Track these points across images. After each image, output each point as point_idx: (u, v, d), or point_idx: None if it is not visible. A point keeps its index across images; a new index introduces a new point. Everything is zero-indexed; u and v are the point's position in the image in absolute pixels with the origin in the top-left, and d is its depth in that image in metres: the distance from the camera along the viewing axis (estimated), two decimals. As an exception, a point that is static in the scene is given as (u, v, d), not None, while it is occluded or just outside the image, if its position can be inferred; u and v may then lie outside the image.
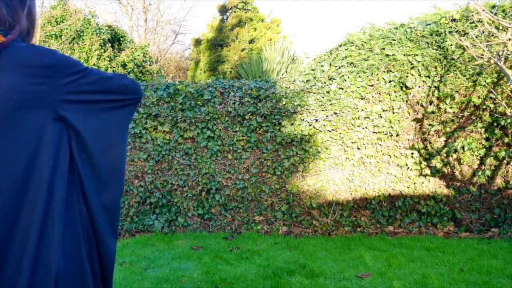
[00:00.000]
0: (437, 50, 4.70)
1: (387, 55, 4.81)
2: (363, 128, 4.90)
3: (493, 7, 4.52)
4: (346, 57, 4.95)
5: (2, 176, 1.07)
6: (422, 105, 4.82)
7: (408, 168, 4.88)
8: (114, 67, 10.40)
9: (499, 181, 4.68)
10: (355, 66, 4.91)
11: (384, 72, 4.84)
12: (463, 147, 4.72)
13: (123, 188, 1.33)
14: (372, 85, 4.88)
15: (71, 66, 1.16)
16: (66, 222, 1.12)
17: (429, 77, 4.76)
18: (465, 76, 4.65)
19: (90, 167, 1.21)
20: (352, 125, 4.89)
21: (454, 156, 4.77)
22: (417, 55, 4.74)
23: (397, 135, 4.89)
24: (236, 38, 13.17)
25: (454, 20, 4.69)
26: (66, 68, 1.15)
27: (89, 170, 1.21)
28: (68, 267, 1.10)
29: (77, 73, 1.17)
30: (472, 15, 4.18)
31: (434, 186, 4.82)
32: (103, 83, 1.23)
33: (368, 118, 4.87)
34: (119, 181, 1.28)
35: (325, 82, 4.99)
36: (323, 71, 5.02)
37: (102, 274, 1.22)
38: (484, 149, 4.69)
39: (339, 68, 4.96)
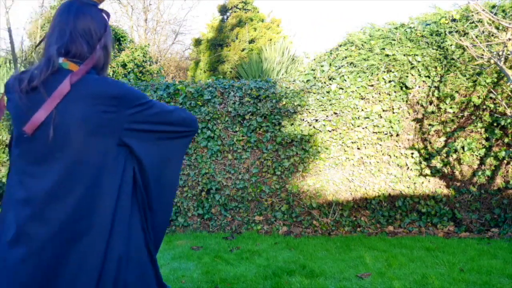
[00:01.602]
0: (437, 50, 4.70)
1: (387, 55, 4.81)
2: (363, 128, 4.90)
3: (493, 7, 4.52)
4: (346, 57, 4.95)
5: (73, 192, 1.21)
6: (422, 105, 4.82)
7: (408, 168, 4.88)
8: (114, 67, 10.40)
9: (499, 181, 4.68)
10: (355, 66, 4.91)
11: (384, 72, 4.85)
12: (463, 147, 4.72)
13: (170, 216, 1.47)
14: (372, 85, 4.88)
15: (137, 99, 1.29)
16: (130, 234, 1.28)
17: (429, 77, 4.76)
18: (465, 76, 4.65)
19: (149, 189, 1.35)
20: (352, 125, 4.89)
21: (454, 156, 4.77)
22: (417, 55, 4.74)
23: (397, 135, 4.89)
24: (236, 38, 13.17)
25: (454, 20, 4.69)
26: (133, 100, 1.28)
27: (147, 191, 1.35)
28: (130, 253, 1.27)
29: (142, 105, 1.30)
30: (472, 15, 4.18)
31: (434, 186, 4.82)
32: (164, 116, 1.37)
33: (368, 118, 4.87)
34: (167, 211, 1.43)
35: (325, 82, 4.99)
36: (323, 71, 5.02)
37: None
38: (484, 149, 4.69)
39: (339, 68, 4.96)
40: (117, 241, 1.24)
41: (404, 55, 4.78)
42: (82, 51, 1.31)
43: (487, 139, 4.70)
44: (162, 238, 1.45)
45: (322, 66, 5.04)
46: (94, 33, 1.34)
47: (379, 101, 4.88)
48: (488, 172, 4.66)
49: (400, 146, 4.91)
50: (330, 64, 5.02)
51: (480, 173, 4.69)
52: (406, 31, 4.82)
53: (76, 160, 1.22)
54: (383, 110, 4.87)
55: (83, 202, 1.21)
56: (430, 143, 4.84)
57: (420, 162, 4.84)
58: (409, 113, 4.87)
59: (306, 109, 4.95)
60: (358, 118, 4.88)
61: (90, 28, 1.33)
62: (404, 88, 4.84)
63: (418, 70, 4.76)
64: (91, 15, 1.34)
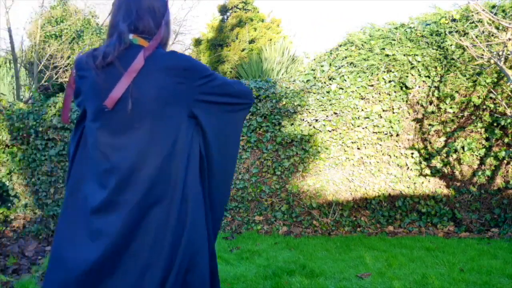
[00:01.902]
0: (437, 50, 4.70)
1: (387, 55, 4.81)
2: (363, 128, 4.89)
3: (493, 7, 4.52)
4: (346, 57, 4.95)
5: (152, 160, 1.31)
6: (422, 105, 4.82)
7: (408, 168, 4.88)
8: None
9: (499, 181, 4.68)
10: (355, 66, 4.91)
11: (384, 72, 4.84)
12: (463, 147, 4.72)
13: (230, 189, 1.60)
14: (372, 85, 4.88)
15: (203, 70, 1.39)
16: (198, 196, 1.40)
17: (429, 77, 4.76)
18: (465, 76, 4.65)
19: (212, 160, 1.44)
20: (352, 125, 4.89)
21: (454, 156, 4.77)
22: (417, 55, 4.74)
23: (397, 135, 4.89)
24: (236, 38, 13.17)
25: (454, 20, 4.69)
26: (200, 71, 1.38)
27: (211, 162, 1.44)
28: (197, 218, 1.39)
29: (208, 77, 1.40)
30: (472, 15, 4.18)
31: (434, 186, 4.82)
32: (227, 87, 1.46)
33: (368, 118, 4.87)
34: (228, 182, 1.52)
35: (325, 82, 4.99)
36: (323, 71, 5.02)
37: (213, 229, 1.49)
38: (484, 149, 4.69)
39: (339, 68, 4.96)
40: (188, 207, 1.37)
41: (404, 55, 4.78)
42: (149, 27, 1.40)
43: (487, 139, 4.70)
44: (221, 215, 1.54)
45: (322, 66, 5.04)
46: (157, 10, 1.43)
47: (379, 101, 4.88)
48: (488, 172, 4.66)
49: (400, 146, 4.90)
50: (330, 64, 5.02)
51: (480, 173, 4.69)
52: (406, 31, 4.82)
53: (154, 129, 1.33)
54: (383, 110, 4.87)
55: (161, 169, 1.33)
56: (430, 143, 4.84)
57: (420, 162, 4.84)
58: (409, 113, 4.87)
59: (306, 109, 4.95)
60: (358, 118, 4.88)
61: (154, 6, 1.42)
62: (404, 88, 4.84)
63: (418, 70, 4.76)
64: None
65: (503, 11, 4.51)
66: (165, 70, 1.33)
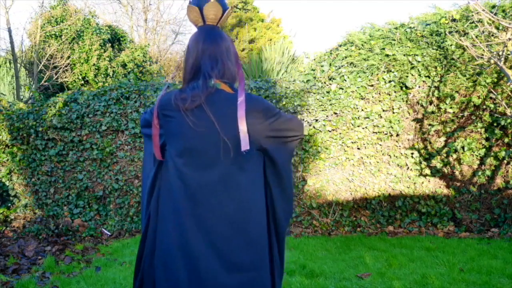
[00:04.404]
0: (437, 50, 4.70)
1: (387, 55, 4.81)
2: (363, 128, 4.89)
3: (493, 7, 4.51)
4: (346, 57, 4.95)
5: (237, 194, 1.51)
6: (422, 105, 4.82)
7: (408, 168, 4.88)
8: (114, 67, 10.40)
9: (499, 181, 4.68)
10: (355, 66, 4.91)
11: (384, 72, 4.84)
12: (463, 147, 4.72)
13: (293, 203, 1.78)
14: (372, 85, 4.88)
15: (272, 110, 1.56)
16: (264, 211, 1.58)
17: (429, 77, 4.76)
18: (465, 76, 4.65)
19: (279, 185, 1.63)
20: (352, 125, 4.89)
21: (454, 156, 4.77)
22: (417, 55, 4.74)
23: (397, 135, 4.89)
24: (236, 38, 13.17)
25: (454, 20, 4.68)
26: (270, 111, 1.55)
27: (277, 186, 1.63)
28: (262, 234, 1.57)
29: (275, 115, 1.57)
30: (472, 15, 4.18)
31: (434, 186, 4.82)
32: (288, 123, 1.64)
33: (368, 118, 4.87)
34: (292, 199, 1.72)
35: (325, 82, 4.99)
36: (323, 71, 5.02)
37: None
38: (484, 149, 4.69)
39: (339, 68, 4.96)
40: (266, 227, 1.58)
41: (404, 55, 4.78)
42: (230, 71, 1.56)
43: (487, 139, 4.70)
44: (285, 227, 1.70)
45: (322, 66, 5.04)
46: (231, 51, 1.59)
47: (379, 101, 4.88)
48: (488, 172, 4.66)
49: (400, 146, 4.90)
50: (330, 64, 5.02)
51: (480, 173, 4.69)
52: (406, 31, 4.82)
53: (236, 164, 1.51)
54: (383, 110, 4.87)
55: (244, 197, 1.52)
56: (430, 143, 4.84)
57: (420, 162, 4.84)
58: (409, 113, 4.87)
59: (306, 109, 4.95)
60: (358, 118, 4.88)
61: (228, 47, 1.58)
62: (404, 88, 4.84)
63: (418, 70, 4.76)
64: (227, 38, 1.61)
65: (503, 11, 4.51)
66: (246, 113, 1.48)
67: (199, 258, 1.48)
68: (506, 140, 4.60)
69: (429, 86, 4.77)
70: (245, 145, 1.47)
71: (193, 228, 1.49)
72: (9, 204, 5.39)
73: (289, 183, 1.66)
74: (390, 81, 4.84)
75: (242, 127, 1.46)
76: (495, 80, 4.58)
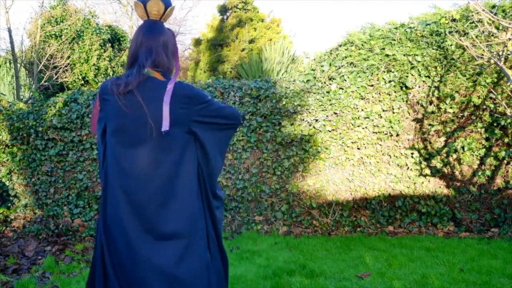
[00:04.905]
0: (437, 50, 4.70)
1: (387, 55, 4.81)
2: (363, 128, 4.89)
3: (493, 7, 4.52)
4: (346, 57, 4.95)
5: (161, 170, 1.68)
6: (422, 105, 4.82)
7: (408, 168, 4.88)
8: (114, 67, 10.39)
9: (499, 181, 4.68)
10: (355, 66, 4.91)
11: (384, 72, 4.85)
12: (463, 147, 4.72)
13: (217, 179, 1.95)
14: (372, 85, 4.88)
15: (202, 98, 1.74)
16: (196, 189, 1.77)
17: (429, 77, 4.76)
18: (465, 76, 4.65)
19: (206, 166, 1.80)
20: (352, 125, 4.89)
21: (454, 156, 4.77)
22: (417, 55, 4.74)
23: (397, 135, 4.89)
24: (236, 38, 13.16)
25: (454, 20, 4.69)
26: (199, 98, 1.73)
27: (205, 167, 1.80)
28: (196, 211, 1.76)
29: (205, 103, 1.75)
30: (472, 15, 4.18)
31: (434, 186, 4.82)
32: (220, 111, 1.82)
33: (368, 118, 4.87)
34: (217, 176, 1.88)
35: (325, 82, 4.99)
36: (323, 71, 5.02)
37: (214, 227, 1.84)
38: (484, 149, 4.69)
39: (339, 68, 4.96)
40: (198, 201, 1.76)
41: (404, 55, 4.78)
42: (163, 62, 1.75)
43: (487, 139, 4.70)
44: (215, 200, 1.88)
45: (322, 66, 5.04)
46: (169, 44, 1.78)
47: (379, 101, 4.88)
48: (488, 172, 4.66)
49: (400, 146, 4.90)
50: (330, 64, 5.02)
51: (480, 173, 4.69)
52: (406, 31, 4.82)
53: (162, 144, 1.68)
54: (383, 110, 4.87)
55: (169, 173, 1.69)
56: (430, 143, 4.84)
57: (420, 162, 4.84)
58: (409, 113, 4.87)
59: (306, 109, 4.95)
60: (358, 118, 4.88)
61: (166, 41, 1.77)
62: (404, 88, 4.84)
63: (418, 70, 4.76)
64: (166, 33, 1.79)
65: (503, 11, 4.51)
66: (173, 98, 1.66)
67: (128, 227, 1.67)
68: (506, 140, 4.60)
69: (429, 86, 4.77)
70: (165, 126, 1.64)
71: (123, 199, 1.68)
72: (9, 204, 5.39)
73: (216, 165, 1.84)
74: (390, 81, 4.84)
75: (165, 110, 1.64)
76: (495, 80, 4.58)
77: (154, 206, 1.68)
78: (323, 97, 4.94)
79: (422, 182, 4.83)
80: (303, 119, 4.97)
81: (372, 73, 4.86)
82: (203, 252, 1.74)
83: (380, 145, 4.91)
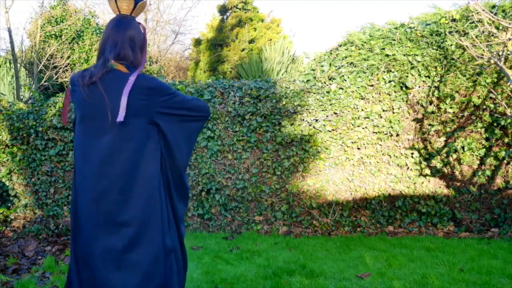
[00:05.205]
0: (437, 50, 4.70)
1: (387, 55, 4.81)
2: (363, 128, 4.89)
3: (493, 7, 4.52)
4: (346, 57, 4.95)
5: (122, 158, 1.75)
6: (422, 105, 4.82)
7: (408, 168, 4.88)
8: (114, 67, 10.37)
9: (499, 181, 4.68)
10: (355, 66, 4.91)
11: (384, 72, 4.85)
12: (463, 147, 4.72)
13: (186, 169, 2.00)
14: (372, 85, 4.88)
15: (165, 90, 1.80)
16: (157, 178, 1.82)
17: (429, 77, 4.76)
18: (465, 76, 4.65)
19: (169, 156, 1.85)
20: (352, 125, 4.89)
21: (454, 156, 4.77)
22: (417, 55, 4.74)
23: (397, 135, 4.89)
24: (236, 38, 13.17)
25: (454, 20, 4.69)
26: (162, 90, 1.79)
27: (168, 158, 1.85)
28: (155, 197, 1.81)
29: (169, 95, 1.80)
30: (472, 15, 4.18)
31: (434, 186, 4.82)
32: (185, 103, 1.87)
33: (368, 118, 4.87)
34: (184, 165, 1.93)
35: (325, 82, 4.99)
36: (323, 71, 5.02)
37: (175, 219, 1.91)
38: (484, 149, 4.69)
39: (339, 68, 4.96)
40: (156, 190, 1.81)
41: (404, 55, 4.78)
42: (128, 55, 1.81)
43: (487, 139, 4.70)
44: (182, 191, 1.95)
45: (322, 66, 5.04)
46: (136, 39, 1.85)
47: (379, 101, 4.88)
48: (488, 172, 4.66)
49: (400, 146, 4.91)
50: (330, 64, 5.02)
51: (480, 173, 4.69)
52: (406, 31, 4.82)
53: (123, 133, 1.75)
54: (383, 110, 4.87)
55: (129, 162, 1.75)
56: (430, 143, 4.84)
57: (420, 162, 4.84)
58: (409, 113, 4.87)
59: (306, 109, 4.95)
60: (358, 118, 4.88)
61: (133, 36, 1.84)
62: (404, 88, 4.84)
63: (418, 70, 4.76)
64: (134, 27, 1.86)
65: (503, 11, 4.51)
66: (134, 89, 1.73)
67: (83, 213, 1.76)
68: (506, 140, 4.60)
69: (429, 86, 4.77)
70: (120, 117, 1.71)
71: (81, 184, 1.79)
72: (9, 204, 5.39)
73: (180, 156, 1.88)
74: (390, 81, 4.84)
75: (122, 101, 1.71)
76: (495, 80, 4.58)
77: (115, 194, 1.74)
78: (323, 97, 4.94)
79: (422, 182, 4.83)
80: (303, 119, 4.98)
81: (372, 73, 4.86)
82: (157, 238, 1.79)
83: (380, 145, 4.91)
